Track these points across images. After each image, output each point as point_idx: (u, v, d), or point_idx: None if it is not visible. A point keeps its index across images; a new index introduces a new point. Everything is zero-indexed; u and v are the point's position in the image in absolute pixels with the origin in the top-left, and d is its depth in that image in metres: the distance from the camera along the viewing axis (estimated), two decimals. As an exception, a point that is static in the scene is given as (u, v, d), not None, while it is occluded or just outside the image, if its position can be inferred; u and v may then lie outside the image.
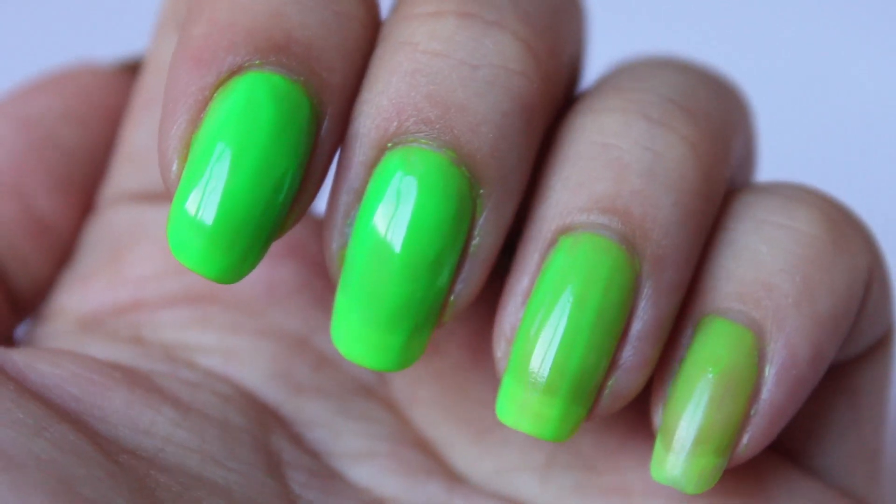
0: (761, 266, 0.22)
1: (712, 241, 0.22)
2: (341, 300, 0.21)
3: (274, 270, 0.24)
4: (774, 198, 0.22)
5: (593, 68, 0.25)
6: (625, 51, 0.26)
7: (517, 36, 0.21)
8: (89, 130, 0.26)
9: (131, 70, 0.27)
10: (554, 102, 0.22)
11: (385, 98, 0.21)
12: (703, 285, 0.22)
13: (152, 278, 0.24)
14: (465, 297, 0.22)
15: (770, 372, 0.22)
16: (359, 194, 0.21)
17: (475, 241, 0.21)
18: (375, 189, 0.21)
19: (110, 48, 0.29)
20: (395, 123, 0.21)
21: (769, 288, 0.22)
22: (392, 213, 0.21)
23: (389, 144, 0.21)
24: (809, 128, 0.39)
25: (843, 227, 0.22)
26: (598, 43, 0.28)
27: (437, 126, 0.21)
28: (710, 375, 0.21)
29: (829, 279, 0.22)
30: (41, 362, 0.22)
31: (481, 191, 0.21)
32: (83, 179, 0.25)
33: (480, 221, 0.21)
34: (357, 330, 0.21)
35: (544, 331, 0.21)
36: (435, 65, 0.21)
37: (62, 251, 0.25)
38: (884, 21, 0.41)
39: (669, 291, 0.21)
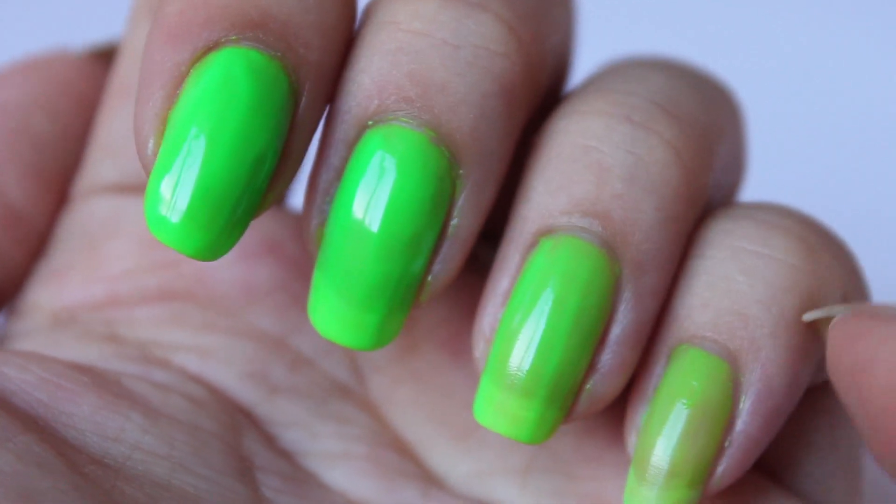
0: (737, 296, 0.22)
1: (688, 268, 0.23)
2: (318, 278, 0.22)
3: (251, 269, 0.25)
4: (752, 224, 0.23)
5: (583, 68, 0.26)
6: (617, 51, 0.26)
7: (500, 18, 0.22)
8: (61, 118, 0.26)
9: (103, 57, 0.27)
10: (537, 88, 0.23)
11: (367, 76, 0.22)
12: (678, 313, 0.22)
13: (128, 274, 0.25)
14: (443, 277, 0.22)
15: (745, 403, 0.22)
16: (338, 172, 0.22)
17: (454, 222, 0.22)
18: (355, 167, 0.22)
19: (81, 34, 0.30)
20: (377, 101, 0.22)
21: (745, 319, 0.22)
22: (371, 191, 0.21)
23: (370, 122, 0.22)
24: (803, 130, 0.40)
25: (821, 254, 0.23)
26: (588, 43, 0.28)
27: (418, 105, 0.21)
28: (684, 407, 0.22)
29: (806, 308, 0.22)
30: (8, 366, 0.22)
31: (460, 171, 0.22)
32: (56, 169, 0.26)
33: (459, 202, 0.22)
34: (333, 308, 0.22)
35: (522, 332, 0.22)
36: (417, 44, 0.22)
37: (36, 242, 0.26)
38: (880, 22, 0.42)
39: (649, 296, 0.22)
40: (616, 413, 0.24)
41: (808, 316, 0.22)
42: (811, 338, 0.22)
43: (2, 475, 0.20)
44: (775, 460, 0.24)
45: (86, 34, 0.29)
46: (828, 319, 0.22)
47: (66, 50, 0.27)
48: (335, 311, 0.22)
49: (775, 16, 0.42)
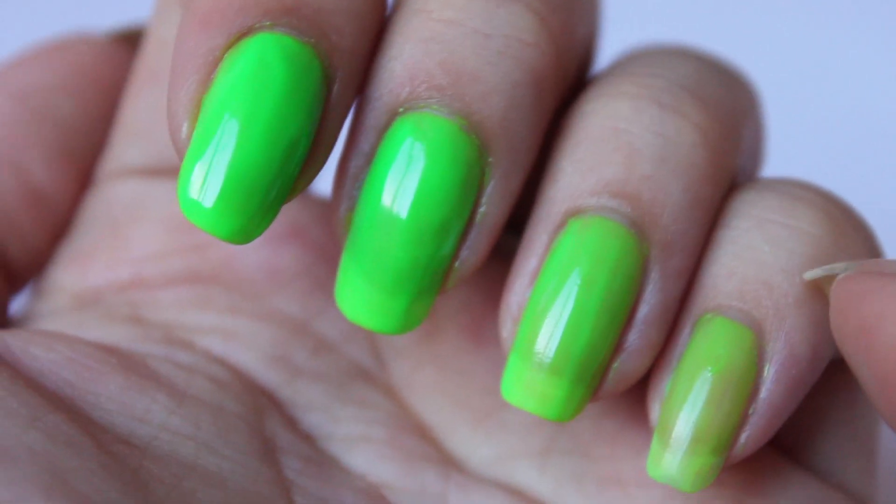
0: (763, 265, 0.22)
1: (714, 239, 0.23)
2: (346, 262, 0.22)
3: (276, 254, 0.25)
4: (777, 196, 0.23)
5: (606, 55, 0.26)
6: (637, 40, 0.26)
7: (531, 8, 0.22)
8: (85, 102, 0.26)
9: (127, 40, 0.27)
10: (565, 78, 0.23)
11: (398, 64, 0.22)
12: (703, 282, 0.23)
13: (153, 257, 0.25)
14: (470, 264, 0.22)
15: (769, 371, 0.22)
16: (368, 158, 0.22)
17: (482, 210, 0.22)
18: (385, 153, 0.22)
19: (105, 18, 0.30)
20: (408, 89, 0.22)
21: (769, 287, 0.22)
22: (400, 177, 0.22)
23: (401, 110, 0.22)
24: (818, 120, 0.40)
25: (844, 226, 0.23)
26: (611, 30, 0.28)
27: (449, 93, 0.22)
28: (709, 374, 0.22)
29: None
30: (36, 346, 0.23)
31: (490, 159, 0.22)
32: (80, 151, 0.26)
33: (488, 190, 0.22)
34: (360, 292, 0.22)
35: (551, 311, 0.22)
36: (448, 32, 0.22)
37: (59, 223, 0.26)
38: (880, 17, 0.42)
39: (676, 277, 0.23)
40: (634, 393, 0.24)
41: (810, 274, 0.22)
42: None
43: (32, 454, 0.20)
44: (792, 437, 0.25)
45: (110, 18, 0.29)
46: (831, 278, 0.22)
47: (89, 33, 0.27)
48: (363, 296, 0.22)
49: (788, 9, 0.42)
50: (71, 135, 0.26)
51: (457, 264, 0.22)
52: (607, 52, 0.27)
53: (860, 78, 0.42)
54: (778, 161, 0.30)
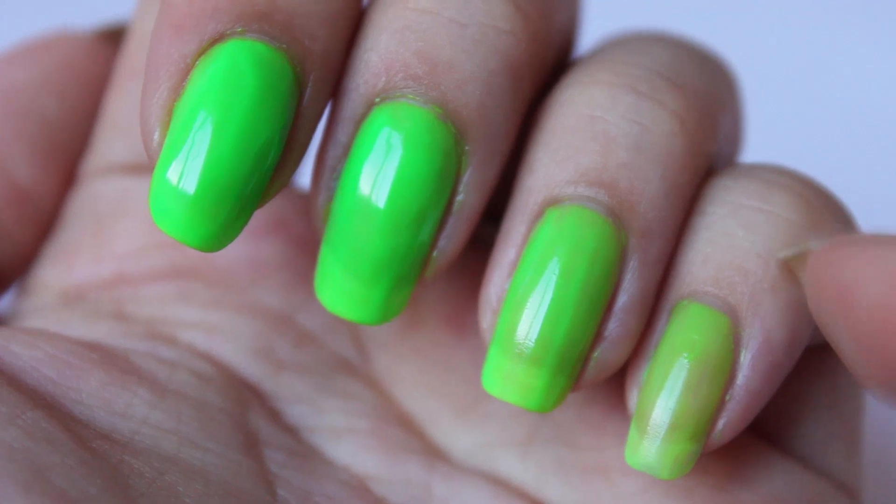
0: (737, 250, 0.23)
1: (690, 225, 0.23)
2: (325, 253, 0.22)
3: (257, 247, 0.25)
4: (752, 181, 0.23)
5: (586, 43, 0.26)
6: (618, 27, 0.26)
7: None
8: (69, 99, 0.26)
9: (111, 37, 0.28)
10: (543, 66, 0.23)
11: (375, 54, 0.22)
12: (679, 269, 0.23)
13: (136, 253, 0.25)
14: (448, 253, 0.23)
15: (745, 357, 0.22)
16: (346, 149, 0.22)
17: (459, 198, 0.22)
18: (362, 144, 0.22)
19: (89, 15, 0.30)
20: (384, 79, 0.22)
21: (745, 273, 0.22)
22: (377, 167, 0.22)
23: (377, 100, 0.22)
24: (799, 106, 0.40)
25: (820, 210, 0.23)
26: (591, 18, 0.28)
27: (425, 82, 0.22)
28: (686, 361, 0.22)
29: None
30: (17, 344, 0.23)
31: (466, 147, 0.22)
32: (64, 149, 0.26)
33: (465, 178, 0.22)
34: (339, 283, 0.22)
35: (530, 302, 0.22)
36: (424, 22, 0.22)
37: (44, 222, 0.26)
38: (876, 9, 0.42)
39: (654, 264, 0.23)
40: (616, 381, 0.24)
41: (783, 254, 0.22)
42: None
43: (12, 451, 0.20)
44: (774, 423, 0.25)
45: (94, 15, 0.29)
46: (804, 257, 0.22)
47: (72, 30, 0.27)
48: (341, 287, 0.22)
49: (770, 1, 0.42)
50: (55, 132, 0.26)
51: (435, 253, 0.22)
52: (591, 36, 0.27)
53: (843, 65, 0.42)
54: (759, 147, 0.30)
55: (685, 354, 0.22)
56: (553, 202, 0.22)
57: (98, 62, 0.27)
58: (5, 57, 0.27)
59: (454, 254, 0.23)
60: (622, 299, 0.22)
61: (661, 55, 0.24)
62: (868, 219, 0.25)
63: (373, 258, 0.22)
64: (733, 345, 0.22)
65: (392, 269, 0.22)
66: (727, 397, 0.22)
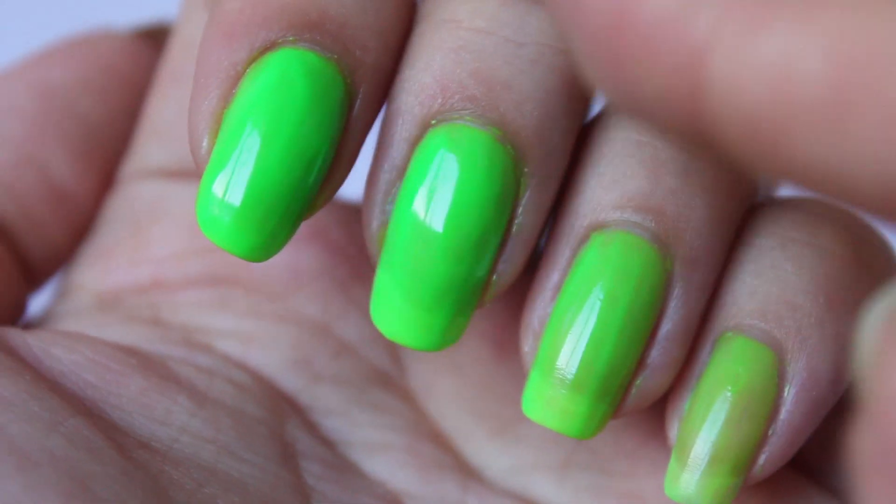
0: (785, 284, 0.22)
1: (736, 256, 0.23)
2: (383, 279, 0.22)
3: (296, 256, 0.25)
4: (799, 214, 0.23)
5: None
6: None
7: None
8: (108, 99, 0.26)
9: (151, 37, 0.27)
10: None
11: (429, 75, 0.22)
12: (724, 300, 0.23)
13: (174, 258, 0.25)
14: (507, 277, 0.22)
15: (790, 392, 0.22)
16: (401, 172, 0.22)
17: (518, 221, 0.22)
18: (418, 166, 0.22)
19: (129, 13, 0.30)
20: (440, 100, 0.22)
21: (792, 307, 0.22)
22: (436, 191, 0.22)
23: (433, 122, 0.22)
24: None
25: (866, 244, 0.23)
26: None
27: (483, 103, 0.22)
28: (729, 394, 0.22)
29: (853, 299, 0.23)
30: (58, 347, 0.23)
31: (525, 169, 0.22)
32: (103, 149, 0.26)
33: (524, 200, 0.22)
34: (398, 309, 0.22)
35: (573, 327, 0.22)
36: (479, 42, 0.22)
37: (81, 221, 0.26)
38: None
39: (699, 293, 0.23)
40: (654, 409, 0.24)
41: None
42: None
43: (54, 459, 0.20)
44: (813, 458, 0.25)
45: (134, 14, 0.29)
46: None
47: (113, 30, 0.27)
48: (400, 313, 0.22)
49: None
50: (94, 132, 0.26)
51: (494, 277, 0.22)
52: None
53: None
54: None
55: (729, 387, 0.22)
56: (599, 226, 0.22)
57: (138, 63, 0.27)
58: (45, 55, 0.27)
59: (513, 278, 0.22)
60: (666, 327, 0.22)
61: None
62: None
63: (434, 284, 0.22)
64: (777, 379, 0.22)
65: (453, 294, 0.22)
66: (770, 432, 0.22)
